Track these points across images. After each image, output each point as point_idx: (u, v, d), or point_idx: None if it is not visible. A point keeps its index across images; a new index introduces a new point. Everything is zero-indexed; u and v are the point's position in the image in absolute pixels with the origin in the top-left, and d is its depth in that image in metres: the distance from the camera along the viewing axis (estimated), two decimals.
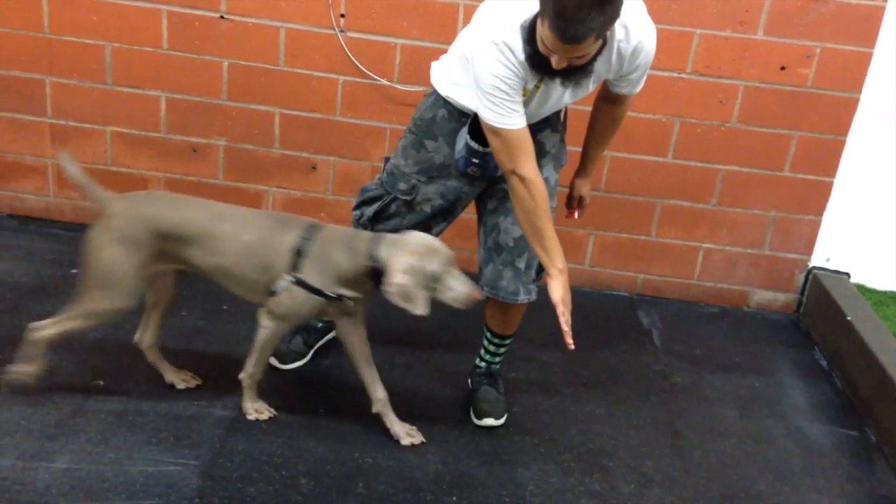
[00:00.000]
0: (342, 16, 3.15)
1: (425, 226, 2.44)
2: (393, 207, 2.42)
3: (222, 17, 3.17)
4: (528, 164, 2.12)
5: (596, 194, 3.30)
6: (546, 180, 2.35)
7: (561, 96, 2.20)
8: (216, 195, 3.41)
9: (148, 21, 3.17)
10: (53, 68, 3.26)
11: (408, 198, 2.40)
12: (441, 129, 2.35)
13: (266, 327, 2.27)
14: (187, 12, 3.16)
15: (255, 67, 3.24)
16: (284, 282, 2.18)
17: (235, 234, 2.19)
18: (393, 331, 2.87)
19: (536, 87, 2.13)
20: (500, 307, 2.49)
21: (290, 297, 2.19)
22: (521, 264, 2.39)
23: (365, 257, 2.14)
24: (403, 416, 2.42)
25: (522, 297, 2.43)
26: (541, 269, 2.43)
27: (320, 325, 2.74)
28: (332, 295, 2.18)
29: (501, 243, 2.38)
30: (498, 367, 2.67)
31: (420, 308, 2.09)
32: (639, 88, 2.31)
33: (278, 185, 3.42)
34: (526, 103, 2.13)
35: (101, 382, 2.49)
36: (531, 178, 2.11)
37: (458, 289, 2.12)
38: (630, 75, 2.22)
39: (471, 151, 2.26)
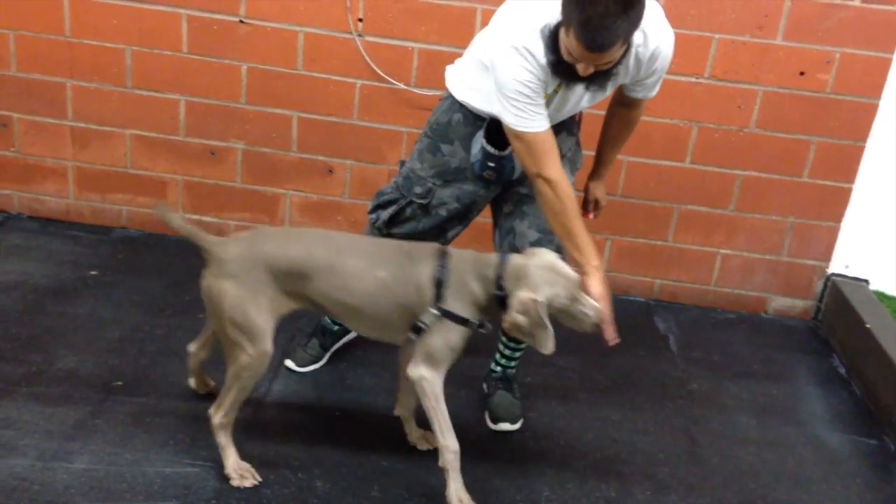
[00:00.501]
0: (360, 20, 3.16)
1: (441, 229, 2.44)
2: (408, 211, 2.43)
3: (241, 21, 3.19)
4: (553, 166, 2.12)
5: (612, 199, 3.29)
6: None
7: (579, 100, 2.20)
8: (234, 198, 3.43)
9: (168, 25, 3.20)
10: (74, 71, 3.29)
11: (423, 201, 2.40)
12: (457, 133, 2.35)
13: (428, 380, 2.07)
14: (207, 16, 3.18)
15: (273, 71, 3.25)
16: (430, 315, 2.04)
17: (365, 270, 2.04)
18: None
19: (556, 90, 2.13)
20: None
21: (442, 333, 2.04)
22: None
23: (494, 286, 2.03)
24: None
25: None
26: None
27: (336, 328, 2.74)
28: (477, 323, 2.07)
29: (517, 247, 2.38)
30: (514, 371, 2.67)
31: (545, 346, 1.99)
32: (654, 93, 2.31)
33: (295, 189, 3.43)
34: (544, 107, 2.14)
35: (120, 383, 2.51)
36: (557, 180, 2.11)
37: (584, 320, 2.04)
38: (647, 80, 2.22)
39: (486, 155, 2.27)
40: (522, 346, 2.62)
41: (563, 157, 2.36)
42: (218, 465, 2.18)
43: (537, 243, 2.35)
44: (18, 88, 3.32)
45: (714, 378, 2.99)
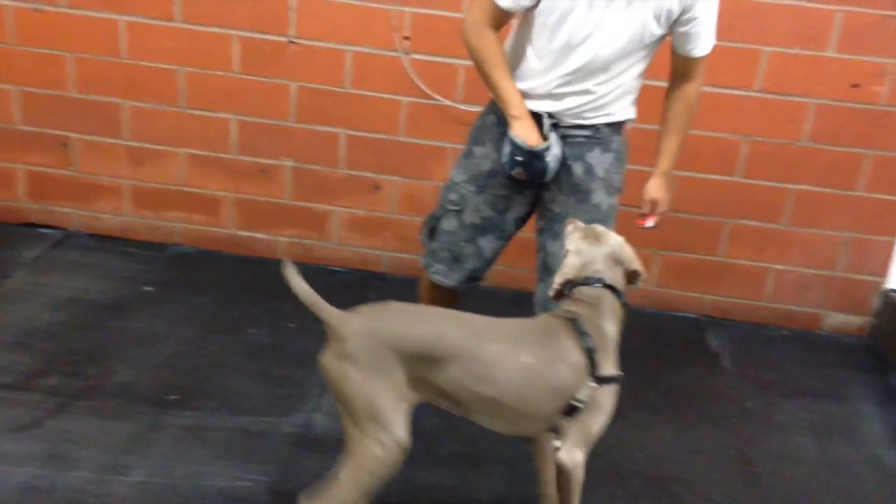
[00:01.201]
0: (406, 38, 3.19)
1: (476, 244, 2.41)
2: (445, 222, 2.42)
3: (291, 41, 3.24)
4: (473, 15, 2.21)
5: None
6: (597, 206, 2.31)
7: (616, 19, 2.12)
8: (283, 214, 3.48)
9: (219, 46, 3.27)
10: (130, 92, 3.38)
11: (457, 208, 2.39)
12: (490, 135, 2.34)
13: (582, 465, 1.87)
14: (257, 37, 3.25)
15: (321, 90, 3.30)
16: (588, 389, 1.83)
17: (508, 356, 1.81)
18: None
19: None
20: None
21: (602, 405, 1.86)
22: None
23: (622, 306, 1.93)
24: (468, 437, 2.41)
25: None
26: None
27: None
28: (619, 375, 1.91)
29: (549, 265, 2.36)
30: None
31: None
32: (703, 47, 2.23)
33: (343, 205, 3.47)
34: (564, 15, 2.12)
35: (175, 397, 2.55)
36: (474, 25, 2.21)
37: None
38: (692, 14, 2.14)
39: (515, 149, 2.22)
40: None
41: (596, 177, 2.31)
42: (271, 479, 2.21)
43: None
44: (76, 109, 3.42)
45: (768, 396, 2.93)
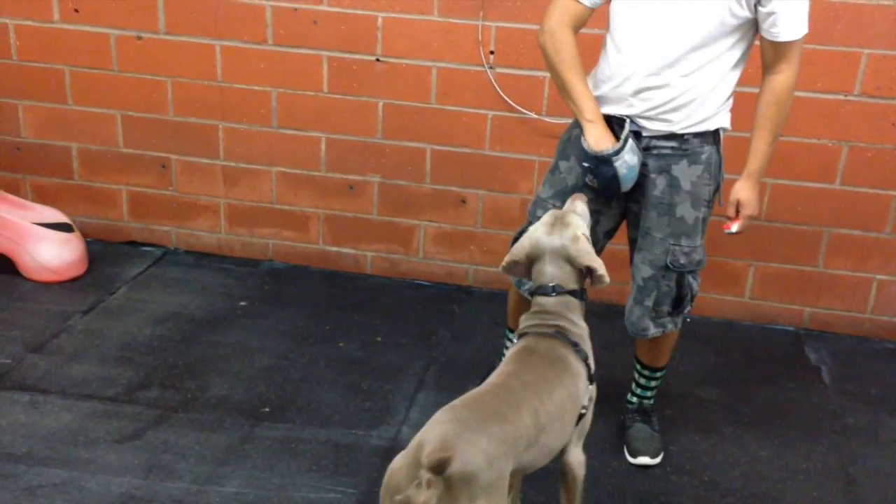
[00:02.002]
0: (491, 52, 3.20)
1: None
2: None
3: (378, 59, 3.30)
4: (554, 19, 2.17)
5: (756, 223, 3.15)
6: (682, 219, 2.26)
7: (695, 2, 2.04)
8: (371, 230, 3.54)
9: (310, 67, 3.36)
10: (225, 114, 3.50)
11: None
12: (574, 149, 2.31)
13: (582, 461, 1.94)
14: (346, 57, 3.32)
15: (408, 106, 3.35)
16: (588, 393, 1.91)
17: (570, 395, 1.82)
18: None
19: None
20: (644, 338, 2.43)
21: (593, 399, 1.95)
22: (650, 302, 2.34)
23: (580, 302, 1.98)
24: None
25: (653, 332, 2.37)
26: (678, 302, 2.34)
27: None
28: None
29: (635, 279, 2.33)
30: (651, 402, 2.59)
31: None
32: (790, 31, 2.08)
33: (429, 220, 3.50)
34: None
35: (267, 410, 2.62)
36: (552, 29, 2.16)
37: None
38: None
39: (583, 154, 2.20)
40: (658, 374, 2.55)
41: (680, 189, 2.25)
42: (359, 492, 2.24)
43: (650, 280, 2.31)
44: (175, 132, 3.56)
45: (872, 412, 2.79)
